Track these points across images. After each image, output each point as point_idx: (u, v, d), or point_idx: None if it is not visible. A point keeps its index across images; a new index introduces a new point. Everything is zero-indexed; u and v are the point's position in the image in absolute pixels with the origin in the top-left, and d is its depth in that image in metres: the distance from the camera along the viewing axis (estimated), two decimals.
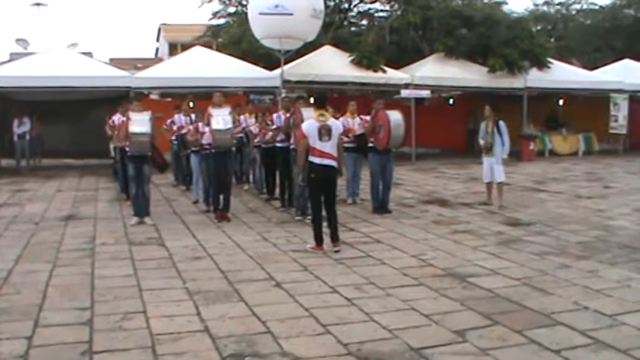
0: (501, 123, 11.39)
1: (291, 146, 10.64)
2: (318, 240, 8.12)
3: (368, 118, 11.21)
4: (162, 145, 14.25)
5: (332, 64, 19.67)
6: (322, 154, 7.94)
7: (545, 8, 35.82)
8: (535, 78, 21.58)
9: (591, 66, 25.94)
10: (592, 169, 18.09)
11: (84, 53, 24.50)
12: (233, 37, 25.00)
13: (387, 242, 8.74)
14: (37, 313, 5.79)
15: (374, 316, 5.65)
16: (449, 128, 22.50)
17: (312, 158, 7.97)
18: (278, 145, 11.44)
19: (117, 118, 12.27)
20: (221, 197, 10.57)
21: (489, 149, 11.47)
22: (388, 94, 20.51)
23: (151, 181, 10.70)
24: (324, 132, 7.97)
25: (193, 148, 11.75)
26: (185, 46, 29.02)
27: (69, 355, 4.86)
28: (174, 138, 14.19)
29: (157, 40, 57.19)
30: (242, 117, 13.44)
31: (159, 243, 8.88)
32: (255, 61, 20.01)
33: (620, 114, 22.39)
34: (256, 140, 12.95)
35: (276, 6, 16.92)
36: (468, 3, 24.08)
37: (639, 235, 9.11)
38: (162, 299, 6.22)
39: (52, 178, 17.07)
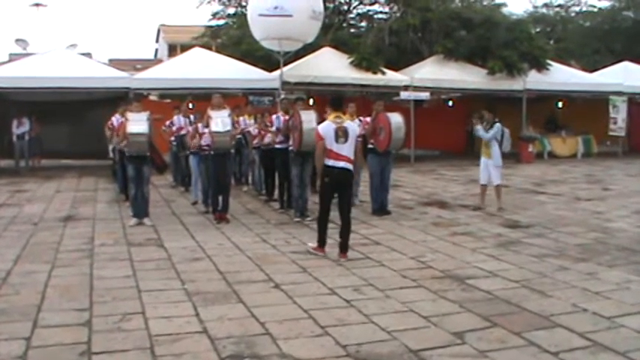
0: (498, 125, 11.34)
1: (290, 148, 10.65)
2: (321, 242, 7.98)
3: (368, 119, 11.21)
4: (162, 146, 14.26)
5: (331, 66, 19.67)
6: (338, 157, 7.77)
7: (544, 10, 35.88)
8: (534, 80, 21.60)
9: (590, 68, 25.98)
10: (591, 172, 18.10)
11: (83, 54, 24.50)
12: (232, 38, 25.01)
13: (386, 244, 8.75)
14: (35, 314, 5.79)
15: (373, 317, 5.65)
16: (448, 130, 22.53)
17: (327, 160, 7.79)
18: (277, 146, 11.44)
19: (116, 119, 12.27)
20: (220, 198, 10.57)
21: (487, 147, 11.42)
22: (387, 96, 20.47)
23: (150, 182, 10.69)
24: (341, 134, 7.80)
25: (192, 150, 11.74)
26: (184, 47, 29.01)
27: (67, 356, 4.85)
28: (173, 139, 14.19)
29: (157, 41, 57.18)
30: (241, 118, 13.45)
31: (158, 244, 8.88)
32: (254, 63, 20.00)
33: (619, 116, 22.40)
34: (255, 142, 12.96)
35: (276, 7, 16.91)
36: (467, 5, 24.13)
37: (638, 237, 9.12)
38: (161, 300, 6.21)
39: (51, 178, 17.06)
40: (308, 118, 9.96)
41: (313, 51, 19.98)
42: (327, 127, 7.89)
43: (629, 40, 30.61)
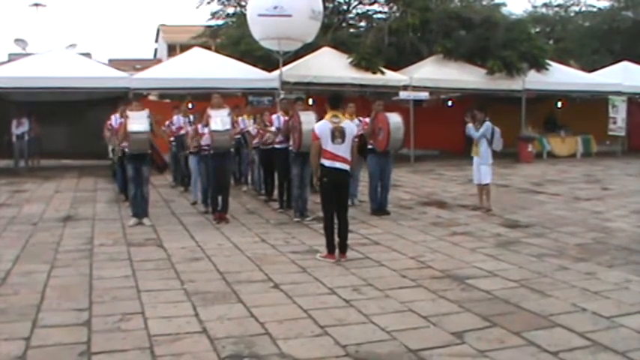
0: (488, 123, 11.32)
1: (290, 148, 10.65)
2: (330, 248, 7.83)
3: (367, 119, 11.21)
4: (162, 146, 14.26)
5: (331, 66, 19.67)
6: (334, 157, 7.69)
7: (543, 10, 35.88)
8: (533, 80, 21.59)
9: (590, 68, 25.99)
10: (590, 171, 18.11)
11: (82, 54, 24.47)
12: (232, 38, 24.99)
13: (385, 244, 8.75)
14: (35, 314, 5.79)
15: (372, 317, 5.65)
16: (447, 130, 22.51)
17: (323, 161, 7.72)
18: (276, 146, 11.45)
19: (115, 119, 12.25)
20: (219, 198, 10.57)
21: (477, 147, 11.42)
22: (387, 96, 20.47)
23: (149, 181, 10.69)
24: (337, 134, 7.71)
25: (192, 150, 11.74)
26: (184, 47, 28.99)
27: (67, 356, 4.85)
28: (172, 139, 14.19)
29: (156, 41, 57.18)
30: (240, 118, 13.44)
31: (157, 244, 8.88)
32: (253, 62, 19.99)
33: (618, 116, 22.40)
34: (255, 141, 12.96)
35: (275, 7, 16.90)
36: (466, 5, 24.11)
37: (637, 237, 9.13)
38: (160, 300, 6.21)
39: (50, 178, 17.05)
40: (307, 119, 9.94)
41: (312, 51, 19.97)
42: (323, 127, 7.81)
43: (629, 40, 30.61)
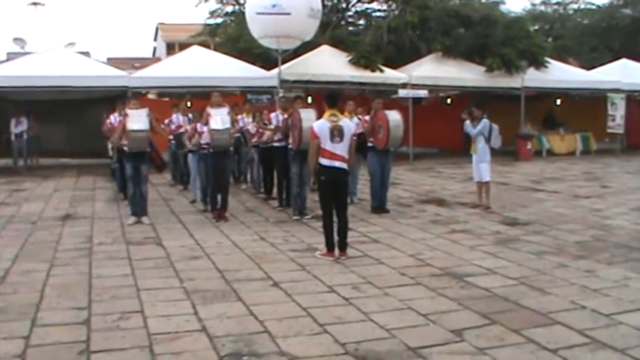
0: (485, 121, 11.31)
1: (290, 146, 10.64)
2: (329, 246, 7.83)
3: (366, 117, 11.20)
4: (161, 144, 14.25)
5: (330, 64, 19.65)
6: (332, 156, 7.68)
7: (542, 8, 35.85)
8: (532, 77, 21.58)
9: (588, 66, 25.96)
10: (589, 169, 18.11)
11: (81, 53, 24.47)
12: (230, 36, 24.97)
13: (384, 242, 8.75)
14: (34, 313, 5.78)
15: (371, 315, 5.65)
16: (446, 128, 22.50)
17: (321, 160, 7.71)
18: (275, 144, 11.44)
19: (114, 117, 12.25)
20: (219, 197, 10.56)
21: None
22: (386, 94, 20.50)
23: (148, 180, 10.68)
24: (336, 133, 7.69)
25: (191, 148, 11.73)
26: (182, 46, 28.99)
27: (66, 355, 4.85)
28: (171, 137, 14.18)
29: (155, 39, 57.17)
30: (239, 117, 13.43)
31: (156, 242, 8.87)
32: (252, 61, 19.99)
33: (617, 113, 22.39)
34: (254, 140, 12.95)
35: (274, 5, 16.88)
36: (465, 3, 24.07)
37: (637, 234, 9.13)
38: (159, 299, 6.21)
39: (49, 177, 17.04)
40: (307, 116, 9.94)
41: (311, 49, 19.96)
42: (322, 126, 7.80)
43: (628, 38, 30.63)
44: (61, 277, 7.09)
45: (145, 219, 10.29)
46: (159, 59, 39.12)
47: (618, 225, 9.82)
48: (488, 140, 11.29)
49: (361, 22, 26.92)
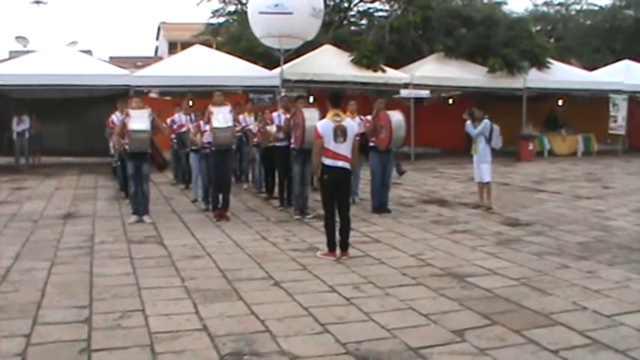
0: (486, 121, 11.31)
1: (292, 146, 10.64)
2: (331, 245, 7.83)
3: (368, 117, 11.20)
4: (162, 143, 14.24)
5: (332, 64, 19.66)
6: (336, 156, 7.68)
7: (544, 9, 35.85)
8: (534, 78, 21.59)
9: (591, 66, 25.95)
10: (591, 170, 18.10)
11: (83, 51, 24.53)
12: (233, 35, 24.99)
13: (385, 242, 8.74)
14: (35, 311, 5.79)
15: (372, 315, 5.65)
16: (448, 128, 22.49)
17: (324, 160, 7.70)
18: (277, 144, 11.44)
19: (116, 117, 12.24)
20: (220, 196, 10.56)
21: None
22: (388, 94, 20.49)
23: (150, 179, 10.69)
24: (339, 133, 7.69)
25: (193, 147, 11.74)
26: (185, 45, 29.02)
27: (67, 353, 4.85)
28: (173, 136, 14.18)
29: (157, 38, 57.23)
30: (241, 116, 13.43)
31: (158, 241, 8.88)
32: (254, 60, 20.00)
33: (619, 114, 22.38)
34: (255, 139, 12.95)
35: (276, 5, 16.90)
36: (467, 3, 24.09)
37: (638, 235, 9.13)
38: (160, 298, 6.21)
39: (51, 176, 17.06)
40: (310, 115, 9.95)
41: (314, 48, 19.97)
42: (325, 126, 7.80)
43: (630, 39, 30.58)
44: (63, 275, 7.10)
45: (146, 218, 10.29)
46: (161, 58, 39.16)
47: (619, 226, 9.82)
48: (489, 141, 11.28)
49: (363, 21, 26.93)
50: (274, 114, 11.81)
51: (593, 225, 9.89)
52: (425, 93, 20.50)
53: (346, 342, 5.01)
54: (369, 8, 26.72)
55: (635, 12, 32.33)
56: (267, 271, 7.20)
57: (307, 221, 10.23)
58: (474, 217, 10.64)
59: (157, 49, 57.23)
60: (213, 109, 10.29)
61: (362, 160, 11.31)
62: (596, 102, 23.10)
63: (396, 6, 24.67)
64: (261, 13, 17.43)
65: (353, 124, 8.20)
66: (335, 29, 23.56)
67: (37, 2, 44.81)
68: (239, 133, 12.55)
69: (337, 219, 7.87)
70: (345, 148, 7.75)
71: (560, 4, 35.86)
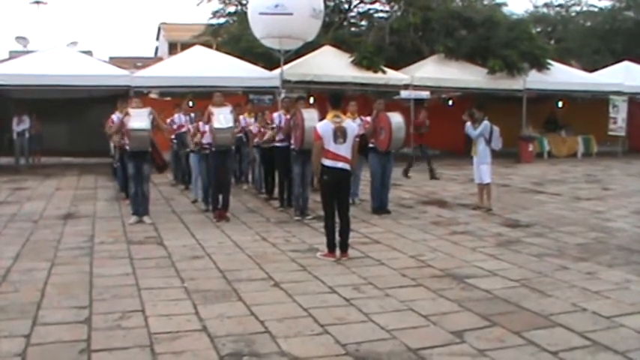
0: (486, 122, 11.32)
1: (292, 146, 10.65)
2: (331, 246, 7.84)
3: (368, 118, 11.20)
4: (162, 144, 14.25)
5: (332, 65, 19.65)
6: (336, 157, 7.69)
7: (544, 10, 35.85)
8: (534, 80, 21.58)
9: (590, 68, 25.96)
10: (591, 171, 18.11)
11: (84, 52, 24.52)
12: (233, 36, 24.98)
13: (385, 243, 8.75)
14: (35, 312, 5.79)
15: (372, 316, 5.66)
16: (448, 129, 22.49)
17: (324, 161, 7.71)
18: (277, 145, 11.45)
19: (116, 117, 12.24)
20: (220, 197, 10.56)
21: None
22: (388, 95, 20.47)
23: (150, 179, 10.69)
24: (339, 134, 7.70)
25: (193, 148, 11.74)
26: (185, 46, 29.00)
27: (67, 354, 4.86)
28: (173, 137, 14.18)
29: (157, 39, 57.23)
30: (241, 117, 13.43)
31: (157, 242, 8.88)
32: (254, 61, 20.00)
33: (619, 116, 22.38)
34: (255, 140, 12.95)
35: (276, 6, 16.90)
36: (468, 4, 24.10)
37: (638, 237, 9.13)
38: (160, 298, 6.22)
39: (51, 176, 17.05)
40: (310, 116, 9.95)
41: (314, 49, 19.96)
42: (325, 127, 7.81)
43: (630, 40, 30.57)
44: (62, 275, 7.10)
45: (146, 218, 10.29)
46: (161, 59, 39.14)
47: (619, 227, 9.83)
48: (488, 142, 11.29)
49: (363, 22, 26.90)
50: (275, 114, 11.82)
51: (593, 226, 9.90)
52: (425, 94, 20.48)
53: (346, 343, 5.02)
54: (369, 9, 26.70)
55: (635, 13, 32.31)
56: (267, 271, 7.21)
57: (307, 222, 10.24)
58: (474, 219, 10.64)
59: (157, 49, 57.23)
60: (213, 109, 10.29)
61: (362, 161, 11.33)
62: (596, 103, 23.10)
63: (396, 7, 24.67)
64: (261, 13, 17.42)
65: (353, 125, 8.21)
66: (335, 30, 23.55)
67: (37, 2, 44.83)
68: (239, 134, 12.56)
69: (337, 220, 7.88)
70: (345, 149, 7.76)
71: (560, 5, 35.87)
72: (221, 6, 27.90)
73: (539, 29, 32.15)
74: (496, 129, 11.37)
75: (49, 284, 6.73)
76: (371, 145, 10.99)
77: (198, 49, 20.66)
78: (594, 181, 15.83)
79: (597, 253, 8.11)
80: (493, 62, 20.89)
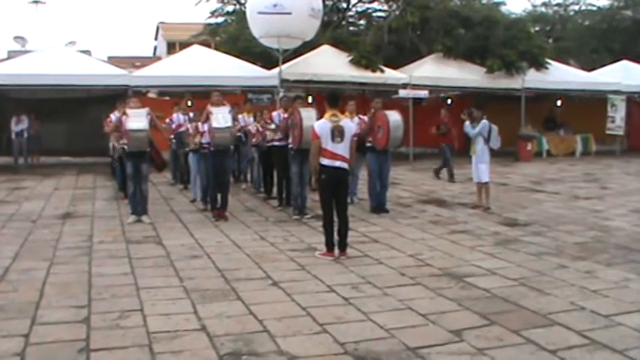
0: (484, 122, 11.32)
1: (290, 146, 10.64)
2: (329, 246, 7.84)
3: (366, 118, 11.18)
4: (161, 143, 14.25)
5: (330, 64, 19.66)
6: (333, 156, 7.70)
7: (543, 9, 35.92)
8: (533, 79, 21.61)
9: (589, 67, 25.99)
10: (589, 170, 18.11)
11: (82, 51, 24.51)
12: (231, 35, 25.00)
13: (384, 242, 8.75)
14: (34, 311, 5.79)
15: (371, 315, 5.66)
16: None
17: (322, 160, 7.72)
18: (276, 144, 11.45)
19: (115, 116, 12.22)
20: (219, 196, 10.56)
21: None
22: (386, 94, 20.52)
23: (149, 179, 10.69)
24: (337, 133, 7.71)
25: (192, 147, 11.73)
26: (183, 45, 29.00)
27: (66, 353, 4.86)
28: (172, 136, 14.17)
29: (156, 38, 57.22)
30: (240, 116, 13.42)
31: (156, 241, 8.88)
32: (253, 60, 20.02)
33: (617, 115, 22.40)
34: (254, 139, 12.95)
35: (275, 5, 16.91)
36: (466, 3, 24.12)
37: (636, 235, 9.13)
38: (159, 297, 6.22)
39: (49, 176, 17.04)
40: (308, 115, 9.95)
41: (312, 49, 19.98)
42: (323, 126, 7.82)
43: (628, 39, 30.63)
44: (61, 275, 7.10)
45: (145, 218, 10.28)
46: (159, 58, 39.15)
47: (618, 226, 9.83)
48: (487, 141, 11.29)
49: (362, 22, 26.96)
50: (274, 113, 11.84)
51: (592, 225, 9.91)
52: (423, 93, 20.52)
53: (344, 342, 5.02)
54: (368, 9, 26.75)
55: (633, 12, 32.34)
56: (265, 271, 7.21)
57: (306, 221, 10.24)
58: (473, 218, 10.65)
59: (155, 49, 57.23)
60: (212, 109, 10.29)
61: (360, 160, 11.33)
62: (595, 102, 23.12)
63: (394, 6, 24.71)
64: (259, 13, 17.44)
65: (350, 124, 8.22)
66: (334, 29, 23.58)
67: (36, 2, 44.85)
68: (239, 133, 12.56)
69: (335, 219, 7.88)
70: (342, 148, 7.77)
71: (558, 4, 35.94)
72: (219, 5, 27.97)
73: (537, 28, 32.22)
74: (495, 128, 11.37)
75: (47, 284, 6.72)
76: (369, 144, 10.98)
77: (196, 49, 20.67)
78: (593, 180, 15.83)
79: (596, 252, 8.12)
80: (491, 61, 20.92)
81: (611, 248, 8.36)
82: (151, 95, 22.59)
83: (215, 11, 28.15)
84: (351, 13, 26.93)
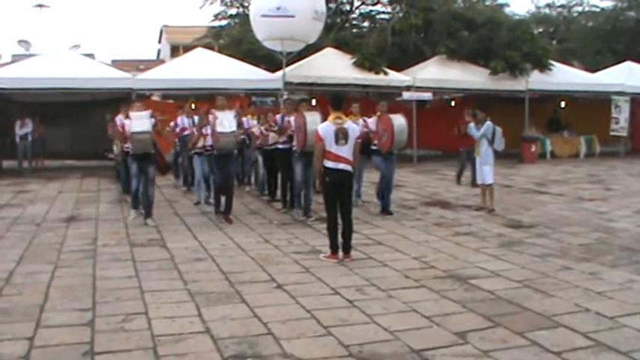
0: (488, 123, 11.32)
1: (294, 148, 10.65)
2: (333, 248, 7.85)
3: (369, 120, 11.16)
4: (165, 146, 14.27)
5: (334, 66, 19.67)
6: (337, 158, 7.70)
7: (546, 11, 35.90)
8: (536, 80, 21.59)
9: (593, 68, 25.97)
10: (593, 172, 18.09)
11: (86, 55, 24.53)
12: (235, 38, 25.02)
13: (388, 244, 8.75)
14: (38, 314, 5.80)
15: (375, 317, 5.65)
16: (450, 130, 22.46)
17: (326, 162, 7.72)
18: (279, 146, 11.45)
19: (119, 119, 12.26)
20: (223, 199, 10.57)
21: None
22: (390, 96, 20.48)
23: (155, 182, 10.70)
24: (341, 135, 7.71)
25: (196, 150, 11.76)
26: (187, 48, 29.05)
27: (70, 356, 4.86)
28: (177, 140, 14.19)
29: (159, 41, 57.25)
30: (244, 119, 13.42)
31: (160, 244, 8.89)
32: (256, 63, 20.02)
33: (621, 116, 22.38)
34: (258, 142, 12.96)
35: (278, 8, 16.93)
36: (469, 5, 24.12)
37: None
38: (163, 300, 6.22)
39: (53, 179, 17.07)
40: (312, 119, 9.95)
41: (316, 51, 19.99)
42: (327, 129, 7.82)
43: (632, 40, 30.59)
44: (66, 278, 7.11)
45: (149, 221, 10.30)
46: (163, 61, 39.21)
47: (622, 228, 9.81)
48: (491, 143, 11.29)
49: (365, 24, 26.93)
50: (277, 116, 11.84)
51: (596, 227, 9.89)
52: (427, 95, 20.51)
53: (349, 344, 5.02)
54: (371, 11, 26.74)
55: (636, 13, 32.31)
56: (269, 273, 7.21)
57: (310, 224, 10.24)
58: (477, 220, 10.64)
59: (159, 52, 57.26)
60: (217, 113, 10.29)
61: (364, 162, 11.33)
62: (599, 104, 23.09)
63: (397, 8, 24.68)
64: (263, 16, 17.45)
65: (354, 126, 8.21)
66: (337, 32, 23.56)
67: (40, 6, 44.91)
68: (243, 136, 12.56)
69: (340, 221, 7.88)
70: (346, 151, 7.77)
71: (562, 6, 35.90)
72: (223, 8, 27.96)
73: (541, 30, 32.22)
74: (499, 130, 11.37)
75: (52, 287, 6.73)
76: (374, 147, 10.98)
77: (200, 52, 20.69)
78: (597, 182, 15.81)
79: (600, 254, 8.10)
80: (495, 63, 20.91)
81: (615, 250, 8.34)
82: (154, 98, 22.61)
83: (218, 14, 28.16)
84: (354, 16, 26.92)
